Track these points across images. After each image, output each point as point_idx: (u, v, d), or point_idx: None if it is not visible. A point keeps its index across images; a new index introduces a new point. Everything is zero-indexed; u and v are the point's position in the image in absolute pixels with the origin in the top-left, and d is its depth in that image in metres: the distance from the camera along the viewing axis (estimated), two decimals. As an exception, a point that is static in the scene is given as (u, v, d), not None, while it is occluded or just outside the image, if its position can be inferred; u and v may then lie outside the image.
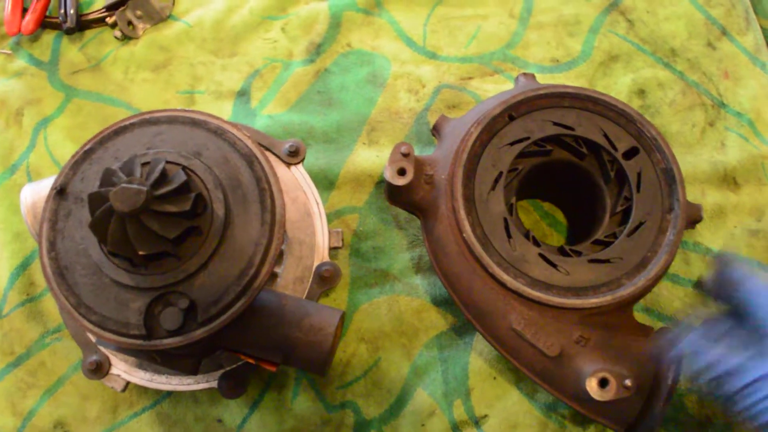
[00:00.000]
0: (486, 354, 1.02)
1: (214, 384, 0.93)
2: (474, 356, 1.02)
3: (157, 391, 1.02)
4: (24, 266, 1.11)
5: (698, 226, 1.07)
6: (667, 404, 0.81)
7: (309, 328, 0.82)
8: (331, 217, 1.11)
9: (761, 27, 1.25)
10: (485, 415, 0.99)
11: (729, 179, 1.12)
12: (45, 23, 1.29)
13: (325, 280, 0.99)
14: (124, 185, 0.70)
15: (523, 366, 0.89)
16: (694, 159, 1.13)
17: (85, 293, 0.77)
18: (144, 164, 0.78)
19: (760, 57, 1.22)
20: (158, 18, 1.29)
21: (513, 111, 0.97)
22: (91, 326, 0.77)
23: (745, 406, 0.68)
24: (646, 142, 0.96)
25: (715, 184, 1.12)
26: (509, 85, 1.17)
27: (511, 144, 0.95)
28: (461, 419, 0.99)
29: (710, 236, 1.08)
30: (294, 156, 1.05)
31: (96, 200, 0.73)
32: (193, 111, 0.87)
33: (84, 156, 0.83)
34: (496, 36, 1.26)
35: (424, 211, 0.96)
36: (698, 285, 0.84)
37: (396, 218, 1.11)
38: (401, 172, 0.92)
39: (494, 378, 1.01)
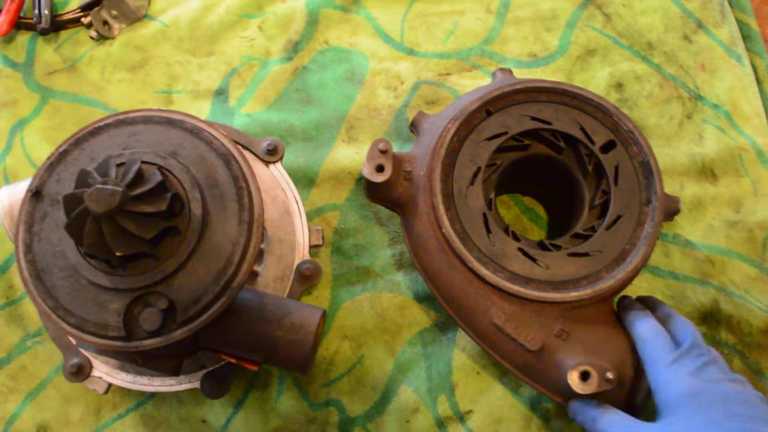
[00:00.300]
0: (469, 349, 1.02)
1: (197, 384, 0.92)
2: (457, 352, 1.02)
3: (141, 393, 1.01)
4: (3, 269, 1.10)
5: (677, 218, 1.08)
6: (648, 396, 0.82)
7: (290, 326, 0.82)
8: (311, 215, 1.11)
9: (737, 20, 1.26)
10: (470, 411, 0.99)
11: (707, 171, 1.13)
12: (19, 24, 1.27)
13: (306, 278, 0.99)
14: (98, 186, 0.70)
15: (505, 360, 0.89)
16: (672, 151, 1.14)
17: (63, 296, 0.77)
18: (119, 165, 0.78)
19: (735, 49, 1.23)
20: (134, 18, 1.28)
21: (490, 106, 0.97)
22: (70, 329, 0.76)
23: None
24: (622, 136, 0.97)
25: (693, 177, 1.12)
26: (487, 81, 1.17)
27: (489, 139, 0.95)
28: (446, 415, 0.99)
29: (689, 228, 1.09)
30: (272, 154, 1.04)
31: (71, 202, 0.73)
32: (169, 110, 0.87)
33: (59, 157, 0.83)
34: (473, 31, 1.26)
35: (404, 207, 0.96)
36: None
37: (377, 215, 1.11)
38: (379, 168, 0.92)
39: (478, 373, 1.01)
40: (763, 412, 0.74)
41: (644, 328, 0.85)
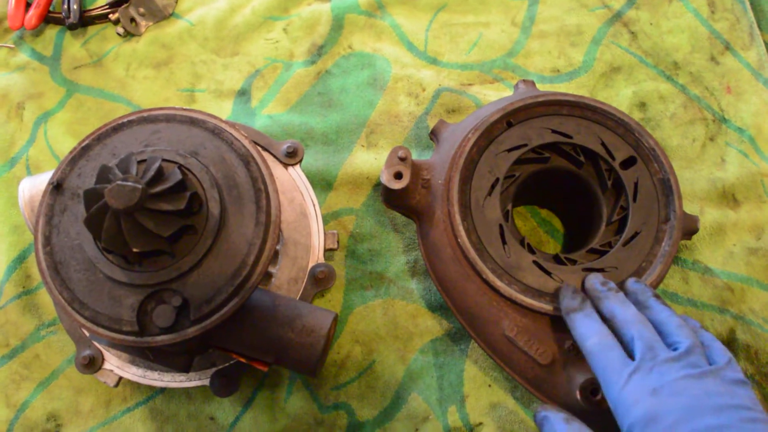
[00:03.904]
0: (481, 362, 1.02)
1: (206, 382, 0.93)
2: (469, 363, 1.02)
3: (151, 387, 1.02)
4: (21, 259, 1.11)
5: (697, 244, 1.07)
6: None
7: (301, 329, 0.82)
8: (327, 219, 1.11)
9: (765, 42, 1.25)
10: (480, 423, 0.99)
11: (728, 196, 1.12)
12: (48, 18, 1.29)
13: (319, 281, 0.99)
14: (119, 182, 0.71)
15: (515, 373, 0.89)
16: (693, 175, 1.13)
17: (78, 288, 0.77)
18: (140, 162, 0.78)
19: (763, 73, 1.21)
20: (161, 16, 1.30)
21: (511, 117, 0.97)
22: (84, 321, 0.77)
23: None
24: (643, 152, 0.96)
25: (714, 201, 1.11)
26: (510, 93, 1.17)
27: (509, 150, 0.95)
28: (456, 426, 0.99)
29: (709, 254, 1.08)
30: (292, 157, 1.05)
31: (91, 197, 0.73)
32: (191, 110, 0.87)
33: (81, 152, 0.84)
34: (497, 44, 1.26)
35: (420, 215, 0.96)
36: None
37: (393, 221, 1.11)
38: (398, 175, 0.93)
39: (489, 386, 1.01)
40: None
41: (592, 340, 0.78)
